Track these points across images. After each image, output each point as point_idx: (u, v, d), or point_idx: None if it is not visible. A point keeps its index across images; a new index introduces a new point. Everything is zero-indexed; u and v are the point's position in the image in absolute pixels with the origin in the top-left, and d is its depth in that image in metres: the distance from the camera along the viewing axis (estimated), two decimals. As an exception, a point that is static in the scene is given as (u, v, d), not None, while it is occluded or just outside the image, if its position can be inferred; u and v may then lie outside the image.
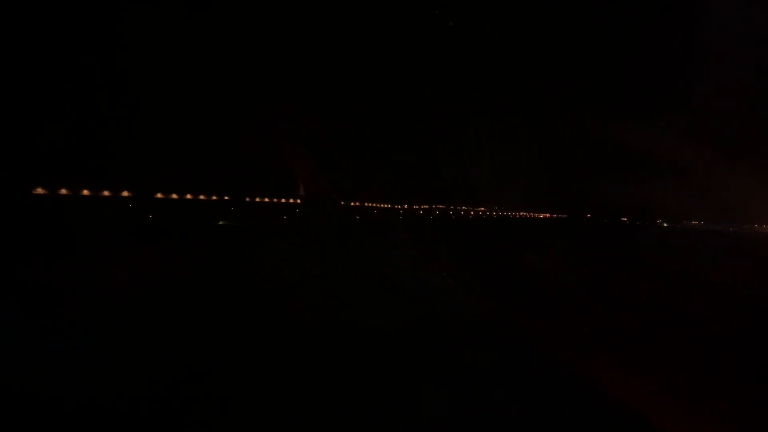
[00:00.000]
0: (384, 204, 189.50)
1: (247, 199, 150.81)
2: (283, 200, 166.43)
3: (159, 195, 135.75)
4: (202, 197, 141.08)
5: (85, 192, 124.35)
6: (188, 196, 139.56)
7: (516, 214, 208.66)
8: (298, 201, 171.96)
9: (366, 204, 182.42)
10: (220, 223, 54.32)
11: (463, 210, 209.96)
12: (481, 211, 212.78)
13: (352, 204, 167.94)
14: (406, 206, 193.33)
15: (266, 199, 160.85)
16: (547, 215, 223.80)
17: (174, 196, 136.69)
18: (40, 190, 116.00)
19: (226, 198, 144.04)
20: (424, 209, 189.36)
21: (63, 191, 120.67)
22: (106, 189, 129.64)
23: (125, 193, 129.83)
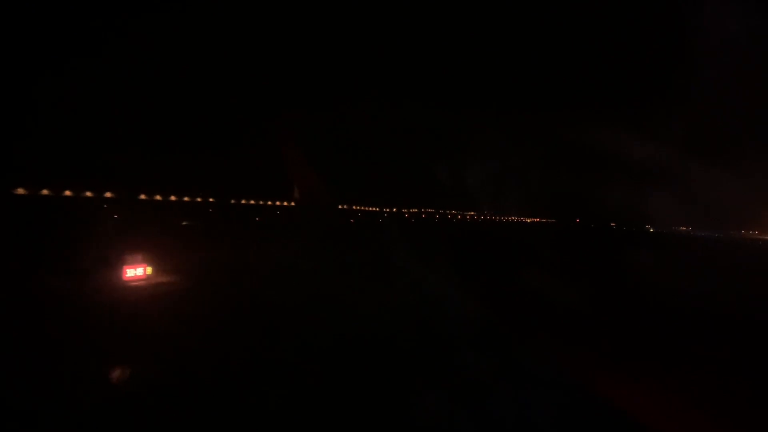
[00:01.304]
0: (372, 207, 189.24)
1: (233, 201, 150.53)
2: (269, 203, 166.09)
3: (143, 196, 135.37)
4: (186, 198, 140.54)
5: (67, 192, 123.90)
6: (172, 198, 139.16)
7: (505, 219, 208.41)
8: (288, 204, 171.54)
9: (354, 207, 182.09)
10: (183, 223, 53.81)
11: (450, 214, 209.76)
12: (469, 215, 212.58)
13: (341, 207, 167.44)
14: (394, 209, 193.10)
15: (252, 201, 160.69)
16: (536, 220, 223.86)
17: (157, 197, 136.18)
18: (21, 191, 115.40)
19: (210, 200, 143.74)
20: (412, 213, 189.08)
21: (45, 191, 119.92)
22: (89, 190, 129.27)
23: (108, 194, 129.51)
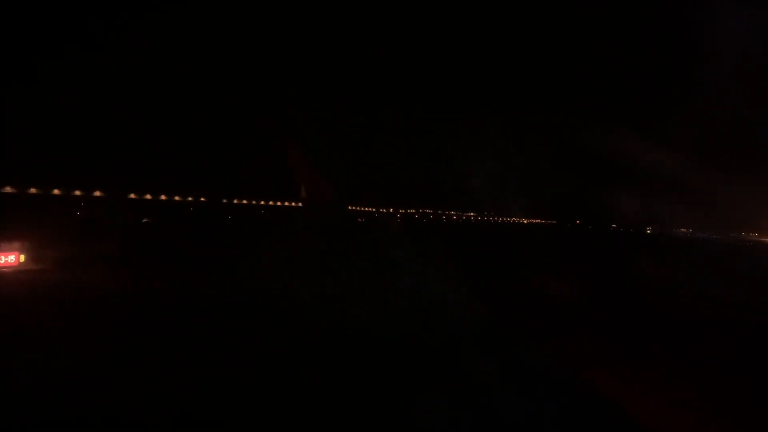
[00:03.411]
0: (370, 208, 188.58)
1: (225, 201, 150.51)
2: (262, 202, 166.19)
3: (132, 195, 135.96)
4: (177, 198, 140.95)
5: (56, 191, 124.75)
6: (162, 197, 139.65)
7: (504, 220, 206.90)
8: (283, 204, 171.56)
9: (349, 207, 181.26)
10: (144, 220, 53.45)
11: (446, 215, 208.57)
12: (465, 215, 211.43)
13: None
14: (391, 209, 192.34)
15: (244, 201, 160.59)
16: (536, 221, 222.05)
17: (148, 196, 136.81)
18: (8, 189, 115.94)
19: (202, 199, 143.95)
20: (406, 213, 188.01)
21: (33, 190, 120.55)
22: (77, 189, 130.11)
23: (97, 193, 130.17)
